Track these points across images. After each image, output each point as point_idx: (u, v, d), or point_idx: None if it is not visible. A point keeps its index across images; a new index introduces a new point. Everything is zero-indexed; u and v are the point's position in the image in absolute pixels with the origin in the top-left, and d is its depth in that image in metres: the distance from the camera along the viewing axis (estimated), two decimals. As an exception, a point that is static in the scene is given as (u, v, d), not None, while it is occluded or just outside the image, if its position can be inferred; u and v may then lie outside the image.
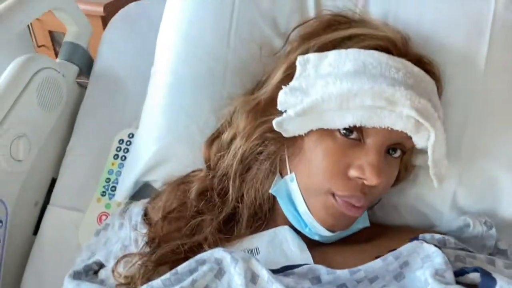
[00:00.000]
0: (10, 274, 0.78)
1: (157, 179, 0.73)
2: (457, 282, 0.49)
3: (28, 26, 1.00)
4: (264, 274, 0.50)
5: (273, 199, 0.61)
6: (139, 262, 0.57)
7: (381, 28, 0.59)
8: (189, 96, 0.70)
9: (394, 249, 0.53)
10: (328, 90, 0.51)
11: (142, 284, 0.55)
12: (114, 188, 0.79)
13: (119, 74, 0.90)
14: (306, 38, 0.61)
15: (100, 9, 1.54)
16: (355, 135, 0.53)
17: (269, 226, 0.61)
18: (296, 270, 0.52)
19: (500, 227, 0.62)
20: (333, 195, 0.54)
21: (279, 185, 0.59)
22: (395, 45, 0.57)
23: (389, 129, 0.52)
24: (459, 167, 0.63)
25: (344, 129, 0.53)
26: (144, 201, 0.68)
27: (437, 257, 0.50)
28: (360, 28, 0.59)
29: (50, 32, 1.69)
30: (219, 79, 0.70)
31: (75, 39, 0.91)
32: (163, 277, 0.52)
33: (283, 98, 0.54)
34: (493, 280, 0.46)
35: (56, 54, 1.06)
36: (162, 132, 0.71)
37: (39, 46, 1.64)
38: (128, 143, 0.82)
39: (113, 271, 0.58)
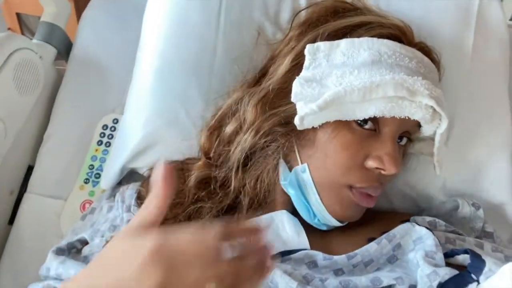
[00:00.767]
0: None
1: (144, 166, 0.71)
2: (447, 264, 0.50)
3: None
4: None
5: (273, 186, 0.59)
6: None
7: (388, 16, 0.59)
8: (177, 80, 0.68)
9: (386, 231, 0.54)
10: (349, 82, 0.50)
11: None
12: (98, 175, 0.76)
13: (101, 57, 0.86)
14: (311, 24, 0.59)
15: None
16: (370, 125, 0.53)
17: (267, 211, 0.60)
18: (292, 255, 0.52)
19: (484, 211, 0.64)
20: (350, 187, 0.54)
21: (290, 176, 0.57)
22: (404, 34, 0.57)
23: (407, 118, 0.53)
24: (449, 154, 0.65)
25: (366, 123, 0.53)
26: (136, 184, 0.66)
27: (428, 239, 0.51)
28: (369, 15, 0.58)
29: (18, 15, 1.61)
30: (208, 63, 0.69)
31: (52, 19, 0.86)
32: None
33: (299, 90, 0.52)
34: (483, 262, 0.48)
35: (25, 38, 1.01)
36: (150, 117, 0.69)
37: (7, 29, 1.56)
38: (112, 128, 0.79)
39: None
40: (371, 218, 0.62)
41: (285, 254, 0.53)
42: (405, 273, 0.50)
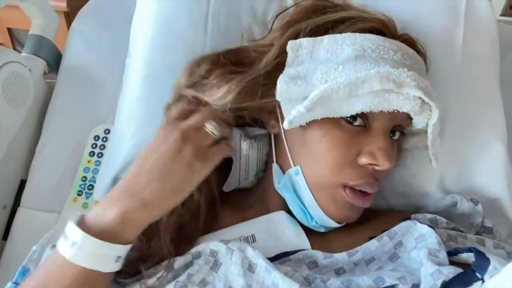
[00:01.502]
0: (-22, 283, 0.74)
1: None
2: (451, 262, 0.49)
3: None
4: (261, 263, 0.49)
5: (268, 188, 0.60)
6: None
7: (369, 11, 0.58)
8: (166, 87, 0.67)
9: (387, 229, 0.53)
10: (335, 78, 0.50)
11: (130, 276, 0.53)
12: (91, 187, 0.75)
13: (91, 68, 0.85)
14: (292, 24, 0.57)
15: (63, 4, 1.48)
16: (359, 121, 0.52)
17: (263, 212, 0.59)
18: (292, 256, 0.52)
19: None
20: (344, 187, 0.53)
21: (284, 180, 0.56)
22: (387, 27, 0.57)
23: (395, 111, 0.51)
24: (443, 149, 0.64)
25: (350, 116, 0.52)
26: None
27: (430, 237, 0.50)
28: (350, 11, 0.57)
29: (9, 30, 1.61)
30: None
31: (41, 32, 0.86)
32: (158, 274, 0.51)
33: (284, 88, 0.51)
34: (487, 260, 0.46)
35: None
36: (140, 125, 0.68)
37: (-3, 44, 1.55)
38: (104, 139, 0.78)
39: None
40: (371, 217, 0.61)
41: (284, 256, 0.52)
42: (407, 271, 0.49)
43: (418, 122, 0.54)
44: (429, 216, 0.57)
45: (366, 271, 0.51)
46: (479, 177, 0.65)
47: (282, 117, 0.52)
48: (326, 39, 0.53)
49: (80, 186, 0.76)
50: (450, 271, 0.45)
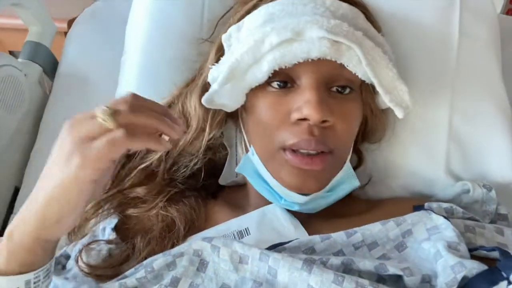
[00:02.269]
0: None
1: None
2: (471, 257, 0.45)
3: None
4: (254, 253, 0.45)
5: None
6: (105, 251, 0.53)
7: None
8: (162, 78, 0.66)
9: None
10: (239, 49, 0.50)
11: (108, 275, 0.50)
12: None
13: (87, 73, 0.84)
14: (226, 20, 0.60)
15: (63, 25, 1.49)
16: (282, 83, 0.51)
17: (259, 207, 0.56)
18: (287, 245, 0.48)
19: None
20: (284, 150, 0.51)
21: (243, 162, 0.56)
22: None
23: (310, 61, 0.48)
24: (447, 132, 0.61)
25: (275, 82, 0.51)
26: None
27: (447, 230, 0.47)
28: None
29: (11, 52, 1.62)
30: (193, 61, 0.66)
31: (37, 39, 0.85)
32: (137, 275, 0.47)
33: (211, 76, 0.54)
34: None
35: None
36: None
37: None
38: (100, 140, 0.76)
39: (77, 260, 0.52)
40: (377, 206, 0.58)
41: (278, 246, 0.48)
42: (414, 264, 0.46)
43: (356, 70, 0.50)
44: (444, 205, 0.53)
45: (368, 257, 0.47)
46: (489, 162, 0.62)
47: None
48: (247, 18, 0.54)
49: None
50: (474, 267, 0.43)
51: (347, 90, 0.52)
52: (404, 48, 0.63)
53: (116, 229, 0.55)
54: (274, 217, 0.54)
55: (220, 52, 0.57)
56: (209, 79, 0.55)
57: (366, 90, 0.54)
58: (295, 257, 0.44)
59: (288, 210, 0.55)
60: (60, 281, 0.50)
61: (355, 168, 0.63)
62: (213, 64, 0.55)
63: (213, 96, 0.52)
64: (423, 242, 0.47)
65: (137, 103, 0.41)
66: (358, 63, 0.49)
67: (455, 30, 0.63)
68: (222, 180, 0.63)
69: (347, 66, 0.50)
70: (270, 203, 0.56)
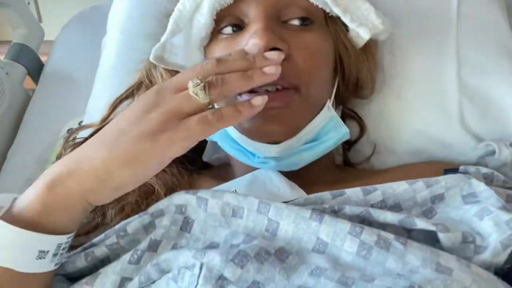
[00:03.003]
0: None
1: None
2: None
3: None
4: (252, 202, 0.37)
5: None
6: None
7: None
8: (140, 53, 0.61)
9: None
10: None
11: (73, 246, 0.40)
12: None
13: (71, 74, 0.81)
14: None
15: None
16: (237, 26, 0.46)
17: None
18: (291, 203, 0.39)
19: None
20: (240, 94, 0.44)
21: None
22: None
23: None
24: (459, 89, 0.54)
25: (225, 27, 0.47)
26: None
27: (489, 199, 0.38)
28: None
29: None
30: None
31: (23, 41, 0.83)
32: (108, 241, 0.38)
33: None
34: None
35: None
36: (114, 93, 0.59)
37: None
38: (78, 131, 0.70)
39: None
40: (389, 172, 0.50)
41: None
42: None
43: None
44: (484, 170, 0.44)
45: None
46: (508, 116, 0.53)
47: None
48: None
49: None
50: None
51: (307, 22, 0.46)
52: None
53: None
54: (266, 179, 0.46)
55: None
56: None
57: (334, 23, 0.48)
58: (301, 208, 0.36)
59: (284, 175, 0.47)
60: None
61: (357, 138, 0.56)
62: None
63: (163, 53, 0.48)
64: (454, 210, 0.38)
65: (224, 69, 0.38)
66: None
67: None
68: (205, 156, 0.56)
69: None
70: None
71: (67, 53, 0.84)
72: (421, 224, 0.34)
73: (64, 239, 0.35)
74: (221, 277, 0.32)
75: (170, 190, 0.47)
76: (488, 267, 0.33)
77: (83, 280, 0.37)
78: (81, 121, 0.71)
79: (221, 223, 0.37)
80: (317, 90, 0.45)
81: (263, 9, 0.44)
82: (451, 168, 0.45)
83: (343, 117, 0.56)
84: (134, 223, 0.38)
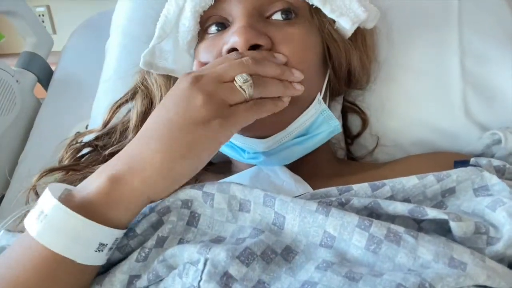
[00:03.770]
0: None
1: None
2: None
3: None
4: (256, 195, 0.35)
5: None
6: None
7: None
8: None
9: None
10: (167, 4, 0.48)
11: None
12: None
13: (80, 81, 0.81)
14: None
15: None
16: (221, 25, 0.46)
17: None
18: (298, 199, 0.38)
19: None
20: None
21: None
22: None
23: None
24: (463, 78, 0.52)
25: (209, 27, 0.46)
26: None
27: (501, 193, 0.36)
28: None
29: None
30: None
31: (33, 49, 0.83)
32: (119, 244, 0.37)
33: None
34: None
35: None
36: (116, 97, 0.60)
37: None
38: (85, 135, 0.70)
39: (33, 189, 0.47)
40: (396, 163, 0.48)
41: None
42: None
43: None
44: (496, 162, 0.41)
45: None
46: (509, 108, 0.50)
47: None
48: None
49: (57, 186, 0.66)
50: None
51: (292, 16, 0.44)
52: None
53: None
54: (270, 172, 0.45)
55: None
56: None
57: (319, 15, 0.46)
58: (307, 202, 0.34)
59: (285, 167, 0.45)
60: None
61: (360, 132, 0.55)
62: None
63: (152, 59, 0.48)
64: (465, 203, 0.37)
65: (262, 70, 0.40)
66: None
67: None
68: None
69: None
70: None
71: (76, 59, 0.84)
72: (432, 213, 0.32)
73: (121, 234, 0.35)
74: (226, 274, 0.31)
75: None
76: (500, 259, 0.31)
77: (95, 280, 0.36)
78: (87, 125, 0.71)
79: (228, 218, 0.36)
80: (305, 84, 0.43)
81: (244, 7, 0.43)
82: (461, 160, 0.43)
83: (344, 111, 0.55)
84: (142, 223, 0.37)
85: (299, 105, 0.43)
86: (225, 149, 0.47)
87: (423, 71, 0.53)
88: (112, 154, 0.52)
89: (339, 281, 0.29)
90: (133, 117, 0.52)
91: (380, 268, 0.30)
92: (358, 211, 0.34)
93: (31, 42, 0.84)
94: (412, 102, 0.52)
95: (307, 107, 0.44)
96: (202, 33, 0.47)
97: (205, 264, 0.31)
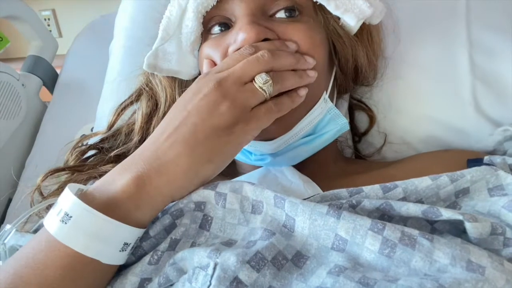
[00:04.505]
0: None
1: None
2: None
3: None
4: (267, 196, 0.34)
5: None
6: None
7: None
8: (144, 56, 0.60)
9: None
10: (170, 5, 0.47)
11: None
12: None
13: (84, 83, 0.80)
14: None
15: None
16: (224, 25, 0.45)
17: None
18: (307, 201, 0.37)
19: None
20: None
21: None
22: None
23: None
24: (472, 73, 0.50)
25: (213, 27, 0.45)
26: None
27: None
28: None
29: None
30: None
31: (38, 53, 0.82)
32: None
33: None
34: None
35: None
36: (121, 99, 0.59)
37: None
38: (90, 137, 0.70)
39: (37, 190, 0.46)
40: (406, 161, 0.46)
41: None
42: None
43: None
44: (510, 160, 0.39)
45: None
46: None
47: None
48: None
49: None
50: None
51: (295, 14, 0.43)
52: None
53: None
54: (278, 174, 0.43)
55: None
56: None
57: (323, 11, 0.44)
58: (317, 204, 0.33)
59: (294, 169, 0.44)
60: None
61: (367, 129, 0.53)
62: None
63: (156, 61, 0.47)
64: (480, 203, 0.35)
65: (278, 63, 0.39)
66: None
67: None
68: None
69: None
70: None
71: (80, 62, 0.83)
72: (446, 214, 0.31)
73: (141, 232, 0.34)
74: (236, 279, 0.29)
75: None
76: None
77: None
78: (93, 127, 0.71)
79: (239, 221, 0.35)
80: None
81: (247, 6, 0.42)
82: (475, 159, 0.41)
83: (351, 108, 0.53)
84: (155, 225, 0.36)
85: (305, 104, 0.42)
86: None
87: (431, 66, 0.51)
88: (117, 156, 0.51)
89: (352, 287, 0.28)
90: (138, 119, 0.50)
91: (395, 273, 0.29)
92: (370, 213, 0.33)
93: (36, 46, 0.83)
94: (420, 98, 0.51)
95: (313, 106, 0.43)
96: (205, 34, 0.46)
97: (214, 268, 0.30)
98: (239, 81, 0.37)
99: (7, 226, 0.42)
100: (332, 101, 0.45)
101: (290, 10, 0.42)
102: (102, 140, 0.53)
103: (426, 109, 0.51)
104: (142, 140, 0.51)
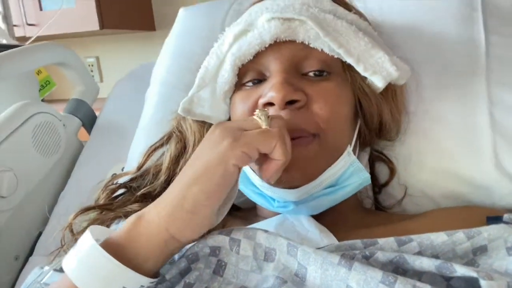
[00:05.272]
0: None
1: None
2: None
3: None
4: (281, 244, 0.34)
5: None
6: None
7: None
8: (178, 104, 0.63)
9: None
10: (208, 56, 0.50)
11: None
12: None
13: (121, 126, 0.83)
14: None
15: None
16: (258, 80, 0.47)
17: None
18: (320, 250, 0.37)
19: None
20: None
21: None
22: None
23: (267, 47, 0.45)
24: (492, 128, 0.50)
25: (248, 81, 0.47)
26: None
27: None
28: None
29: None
30: None
31: (80, 96, 0.88)
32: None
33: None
34: None
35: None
36: (152, 140, 0.61)
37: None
38: (121, 176, 0.72)
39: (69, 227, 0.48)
40: (422, 216, 0.46)
41: None
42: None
43: (322, 46, 0.45)
44: None
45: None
46: None
47: None
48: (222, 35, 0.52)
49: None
50: None
51: (325, 74, 0.45)
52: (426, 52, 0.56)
53: None
54: (296, 221, 0.44)
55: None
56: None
57: (351, 70, 0.46)
58: (330, 254, 0.33)
59: (310, 217, 0.44)
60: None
61: (387, 181, 0.53)
62: None
63: (191, 106, 0.50)
64: (497, 262, 0.34)
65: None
66: (318, 37, 0.44)
67: (479, 29, 0.56)
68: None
69: (308, 43, 0.44)
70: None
71: (118, 106, 0.88)
72: (460, 270, 0.30)
73: (147, 282, 0.34)
74: None
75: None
76: None
77: None
78: (123, 167, 0.73)
79: (252, 268, 0.35)
80: (336, 136, 0.44)
81: (281, 63, 0.45)
82: (494, 216, 0.40)
83: (372, 160, 0.54)
84: (171, 268, 0.36)
85: (329, 156, 0.43)
86: (254, 197, 0.47)
87: (450, 121, 0.51)
88: (143, 195, 0.53)
89: None
90: (166, 160, 0.53)
91: None
92: (383, 265, 0.32)
93: (79, 90, 0.89)
94: (440, 152, 0.51)
95: (337, 158, 0.44)
96: (238, 84, 0.48)
97: None
98: (240, 128, 0.38)
99: (46, 268, 0.44)
100: (355, 154, 0.46)
101: (322, 72, 0.45)
102: (131, 180, 0.55)
103: (445, 163, 0.50)
104: (168, 180, 0.53)
